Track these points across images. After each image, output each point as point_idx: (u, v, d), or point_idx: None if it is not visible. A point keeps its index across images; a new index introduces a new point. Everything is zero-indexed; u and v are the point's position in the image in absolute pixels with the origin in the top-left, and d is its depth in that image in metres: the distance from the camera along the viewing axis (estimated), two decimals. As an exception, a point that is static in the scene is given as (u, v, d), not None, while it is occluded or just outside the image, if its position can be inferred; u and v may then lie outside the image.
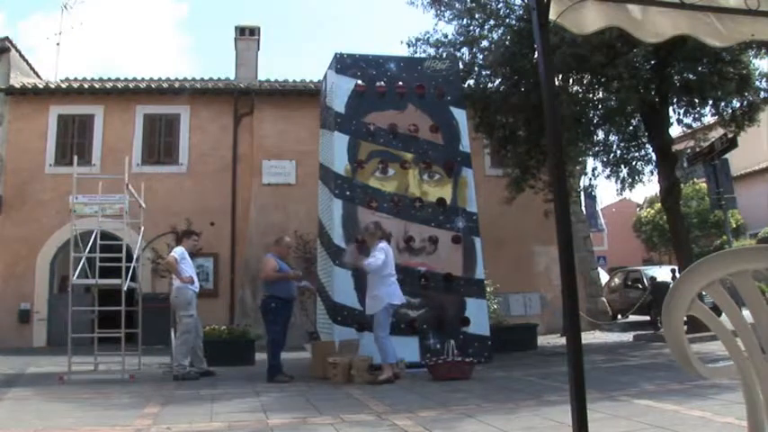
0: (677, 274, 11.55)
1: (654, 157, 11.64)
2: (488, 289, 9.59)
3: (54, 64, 25.77)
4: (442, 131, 9.05)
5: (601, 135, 11.74)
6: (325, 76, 9.80)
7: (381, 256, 6.86)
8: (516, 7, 11.16)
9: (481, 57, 11.45)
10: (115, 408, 5.51)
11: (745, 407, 1.67)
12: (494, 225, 12.65)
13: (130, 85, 15.04)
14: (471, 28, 11.47)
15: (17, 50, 15.05)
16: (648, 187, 51.12)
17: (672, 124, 11.42)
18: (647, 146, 11.78)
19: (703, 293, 1.77)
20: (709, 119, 12.01)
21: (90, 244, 8.22)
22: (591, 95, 11.09)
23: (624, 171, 11.99)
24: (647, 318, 13.80)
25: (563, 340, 9.65)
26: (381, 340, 6.81)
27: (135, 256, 8.44)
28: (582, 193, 14.33)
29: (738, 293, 1.75)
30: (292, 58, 76.17)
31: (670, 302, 1.72)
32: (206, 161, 14.63)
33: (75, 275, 7.98)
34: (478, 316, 8.48)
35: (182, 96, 14.65)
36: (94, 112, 14.58)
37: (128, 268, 7.94)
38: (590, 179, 12.83)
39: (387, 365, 6.73)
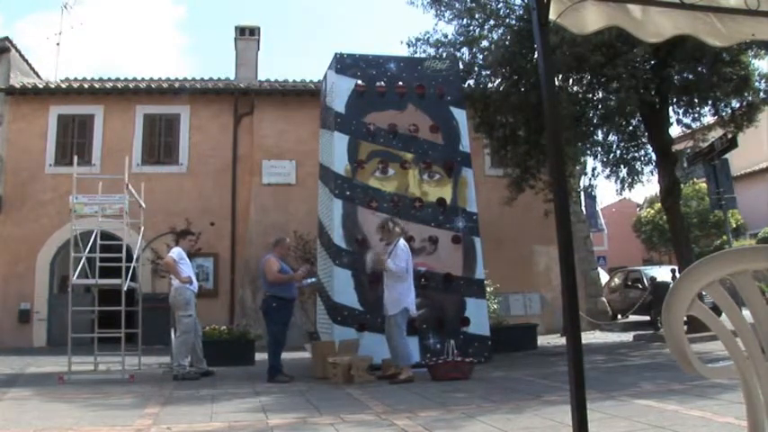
0: (677, 274, 11.55)
1: (654, 157, 11.64)
2: (488, 289, 9.59)
3: (54, 64, 25.78)
4: (442, 131, 9.04)
5: (600, 135, 11.74)
6: (325, 76, 9.80)
7: (402, 263, 6.87)
8: (516, 7, 11.17)
9: (481, 57, 11.46)
10: (115, 408, 5.51)
11: (745, 407, 1.67)
12: (494, 225, 12.66)
13: (130, 85, 15.04)
14: (471, 28, 11.47)
15: (17, 50, 15.06)
16: (648, 187, 51.11)
17: (671, 124, 11.44)
18: (647, 146, 11.78)
19: (703, 293, 1.77)
20: (708, 119, 12.01)
21: (90, 244, 8.22)
22: (591, 95, 11.09)
23: (624, 171, 11.99)
24: (647, 318, 13.80)
25: (563, 340, 9.65)
26: (399, 342, 6.81)
27: (135, 257, 8.44)
28: (582, 193, 14.32)
29: (738, 293, 1.75)
30: (292, 58, 76.21)
31: (670, 302, 1.72)
32: (206, 161, 14.63)
33: (76, 275, 7.98)
34: (478, 316, 8.48)
35: (182, 96, 14.65)
36: (94, 112, 14.59)
37: (128, 268, 7.94)
38: (590, 179, 12.84)
39: (406, 367, 6.75)
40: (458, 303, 8.42)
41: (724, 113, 10.95)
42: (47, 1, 61.52)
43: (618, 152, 12.03)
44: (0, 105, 14.23)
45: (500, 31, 11.31)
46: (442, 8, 11.57)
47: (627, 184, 12.02)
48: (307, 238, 12.01)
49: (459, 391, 5.90)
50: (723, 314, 1.77)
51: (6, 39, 14.52)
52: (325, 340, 8.17)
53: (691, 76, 10.23)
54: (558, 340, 12.23)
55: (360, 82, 8.95)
